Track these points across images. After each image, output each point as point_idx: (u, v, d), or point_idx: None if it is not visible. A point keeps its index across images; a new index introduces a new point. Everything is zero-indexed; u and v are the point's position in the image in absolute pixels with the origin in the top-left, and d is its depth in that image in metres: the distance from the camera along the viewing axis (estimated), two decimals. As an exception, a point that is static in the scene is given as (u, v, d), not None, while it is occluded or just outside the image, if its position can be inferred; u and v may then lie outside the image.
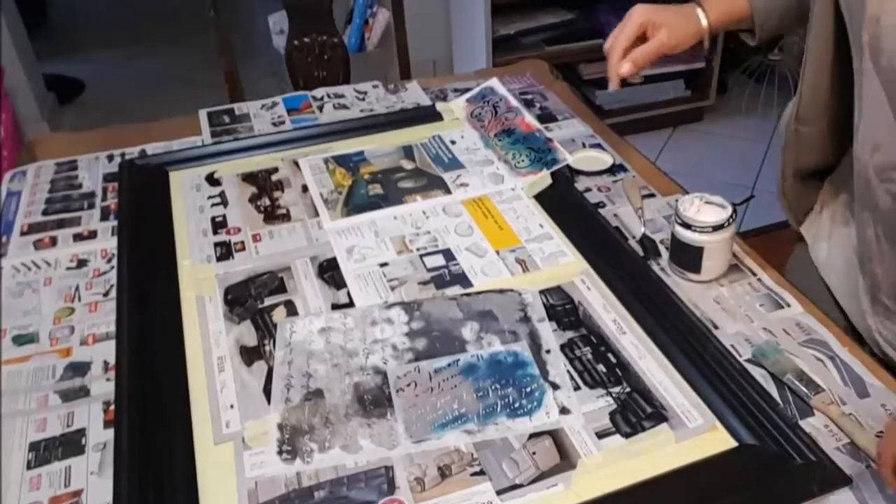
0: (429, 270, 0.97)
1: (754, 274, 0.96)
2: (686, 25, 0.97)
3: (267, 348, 0.86)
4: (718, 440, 0.74)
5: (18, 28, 2.92)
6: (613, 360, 0.83)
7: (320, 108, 1.39)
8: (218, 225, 1.07)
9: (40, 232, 1.08)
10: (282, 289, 0.95)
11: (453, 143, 1.25)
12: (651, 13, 0.96)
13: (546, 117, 1.34)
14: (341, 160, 1.21)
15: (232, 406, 0.78)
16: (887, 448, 0.66)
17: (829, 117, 0.90)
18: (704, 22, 0.97)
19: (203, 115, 1.37)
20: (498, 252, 1.00)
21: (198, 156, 1.23)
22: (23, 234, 1.08)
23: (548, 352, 0.84)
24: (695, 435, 0.74)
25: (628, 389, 0.79)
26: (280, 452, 0.73)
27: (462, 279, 0.95)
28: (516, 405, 0.77)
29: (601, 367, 0.82)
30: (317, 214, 1.09)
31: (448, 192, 1.13)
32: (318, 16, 1.72)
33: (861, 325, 0.92)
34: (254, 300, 0.93)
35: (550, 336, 0.86)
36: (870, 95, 0.77)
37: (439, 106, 1.35)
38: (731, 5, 0.97)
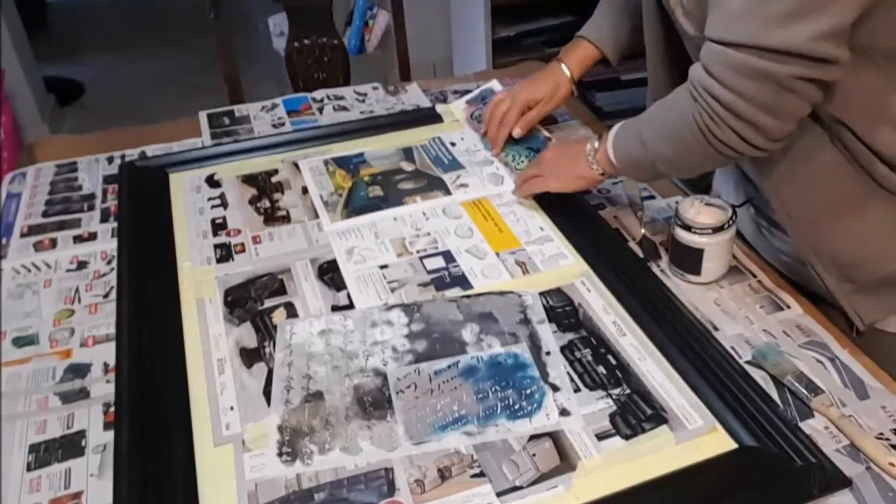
0: (429, 272, 0.97)
1: (754, 276, 0.96)
2: (556, 91, 1.17)
3: (267, 350, 0.86)
4: (718, 442, 0.74)
5: (18, 30, 2.92)
6: (613, 361, 0.83)
7: (320, 110, 1.39)
8: (218, 227, 1.07)
9: (40, 234, 1.08)
10: (282, 291, 0.95)
11: (453, 144, 1.25)
12: (530, 96, 1.17)
13: (546, 119, 1.33)
14: (341, 162, 1.21)
15: (232, 408, 0.78)
16: (524, 173, 1.07)
17: None
18: (568, 73, 1.17)
19: (203, 116, 1.37)
20: (498, 254, 1.00)
21: (198, 158, 1.23)
22: (23, 235, 1.08)
23: (548, 353, 0.84)
24: (695, 437, 0.74)
25: (628, 391, 0.79)
26: (280, 454, 0.73)
27: (462, 281, 0.95)
28: (516, 407, 0.77)
29: (601, 369, 0.82)
30: (317, 216, 1.09)
31: (448, 193, 1.13)
32: (318, 18, 1.72)
33: (771, 256, 1.01)
34: (254, 302, 0.93)
35: (550, 338, 0.86)
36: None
37: (439, 108, 1.35)
38: (584, 53, 1.17)
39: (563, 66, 1.17)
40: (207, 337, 0.88)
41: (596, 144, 0.97)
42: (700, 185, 1.14)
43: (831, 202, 0.87)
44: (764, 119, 0.77)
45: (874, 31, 0.75)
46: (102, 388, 0.82)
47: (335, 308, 0.92)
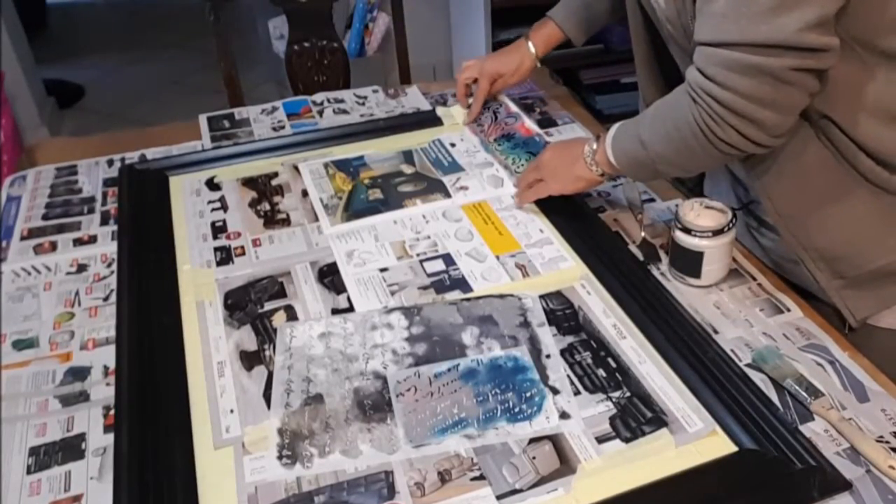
0: (429, 275, 0.97)
1: (754, 278, 0.96)
2: (520, 66, 1.26)
3: (267, 353, 0.86)
4: (718, 445, 0.74)
5: (18, 33, 2.92)
6: (613, 364, 0.83)
7: (320, 113, 1.39)
8: (218, 230, 1.07)
9: (40, 237, 1.08)
10: (282, 293, 0.95)
11: (453, 145, 1.25)
12: (496, 69, 1.27)
13: (546, 122, 1.34)
14: (341, 165, 1.21)
15: (232, 411, 0.78)
16: (523, 176, 1.09)
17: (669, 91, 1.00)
18: (533, 50, 1.25)
19: (203, 119, 1.37)
20: (498, 257, 1.00)
21: (198, 160, 1.23)
22: (23, 238, 1.08)
23: (548, 356, 0.84)
24: (695, 440, 0.74)
25: (628, 394, 0.79)
26: (280, 457, 0.73)
27: (462, 284, 0.95)
28: (516, 410, 0.77)
29: (601, 372, 0.82)
30: (317, 219, 1.09)
31: (448, 195, 1.13)
32: (318, 20, 1.72)
33: (761, 255, 1.01)
34: (254, 305, 0.93)
35: (550, 341, 0.86)
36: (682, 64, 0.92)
37: (439, 111, 1.35)
38: (549, 33, 1.25)
39: (530, 44, 1.25)
40: (207, 340, 0.88)
41: (594, 146, 0.97)
42: (696, 190, 1.14)
43: (819, 198, 0.87)
44: (763, 114, 0.77)
45: (851, 21, 0.76)
46: (102, 391, 0.82)
47: (335, 311, 0.92)
